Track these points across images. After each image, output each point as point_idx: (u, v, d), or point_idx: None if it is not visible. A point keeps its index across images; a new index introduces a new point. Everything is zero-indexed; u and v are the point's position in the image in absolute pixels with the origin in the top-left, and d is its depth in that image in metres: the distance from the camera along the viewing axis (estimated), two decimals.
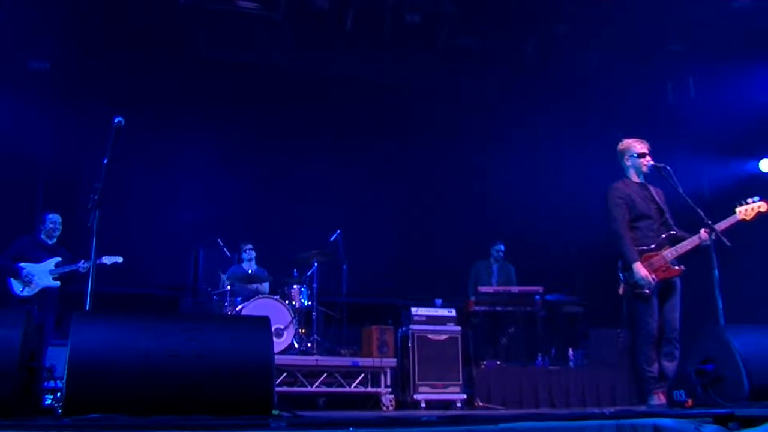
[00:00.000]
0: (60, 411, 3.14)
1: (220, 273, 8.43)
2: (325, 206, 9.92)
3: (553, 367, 8.43)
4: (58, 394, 3.75)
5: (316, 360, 7.38)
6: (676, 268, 5.37)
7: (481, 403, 7.72)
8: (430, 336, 7.67)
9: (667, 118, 10.26)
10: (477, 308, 8.80)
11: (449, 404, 7.53)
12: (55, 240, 7.39)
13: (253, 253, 8.54)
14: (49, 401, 4.46)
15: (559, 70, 9.95)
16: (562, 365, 8.60)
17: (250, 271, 8.39)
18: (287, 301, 7.92)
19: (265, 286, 8.53)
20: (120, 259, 7.14)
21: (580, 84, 10.04)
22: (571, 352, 8.86)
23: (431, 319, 7.81)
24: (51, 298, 7.20)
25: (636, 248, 5.36)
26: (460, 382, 7.58)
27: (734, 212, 5.36)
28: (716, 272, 5.23)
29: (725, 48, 8.97)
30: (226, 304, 8.03)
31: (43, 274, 7.17)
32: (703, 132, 9.97)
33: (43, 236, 7.38)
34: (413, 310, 7.83)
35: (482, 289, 8.92)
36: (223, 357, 3.40)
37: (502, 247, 9.45)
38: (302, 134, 10.22)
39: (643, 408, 5.38)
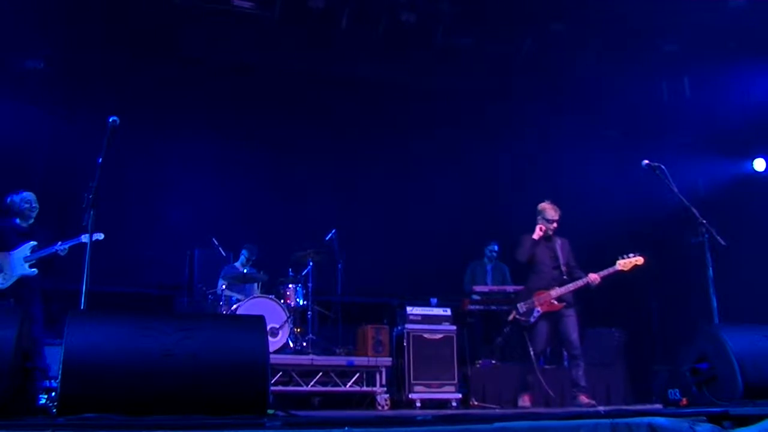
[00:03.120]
0: (54, 410, 3.13)
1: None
2: (320, 205, 9.93)
3: (548, 366, 8.44)
4: (53, 394, 3.74)
5: (312, 359, 7.38)
6: (556, 303, 6.64)
7: (476, 402, 7.73)
8: (425, 335, 7.68)
9: (662, 117, 10.28)
10: (472, 307, 8.80)
11: (444, 403, 7.54)
12: (32, 221, 6.63)
13: (254, 259, 8.52)
14: (43, 401, 4.46)
15: (554, 70, 9.95)
16: (557, 364, 8.61)
17: (245, 271, 8.39)
18: (282, 301, 7.92)
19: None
20: (101, 236, 6.14)
21: (576, 83, 10.05)
22: (566, 351, 8.86)
23: (426, 319, 7.82)
24: (30, 289, 6.45)
25: (533, 286, 6.84)
26: (456, 382, 7.58)
27: (615, 263, 6.53)
28: (711, 271, 5.27)
29: (720, 48, 8.99)
30: (221, 303, 8.02)
31: (17, 261, 6.39)
32: (698, 131, 10.00)
33: (17, 220, 6.60)
34: (408, 309, 7.84)
35: (477, 288, 8.93)
36: (218, 356, 3.39)
37: (496, 247, 9.47)
38: (298, 133, 10.21)
39: (636, 407, 5.41)
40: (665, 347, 10.21)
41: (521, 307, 6.81)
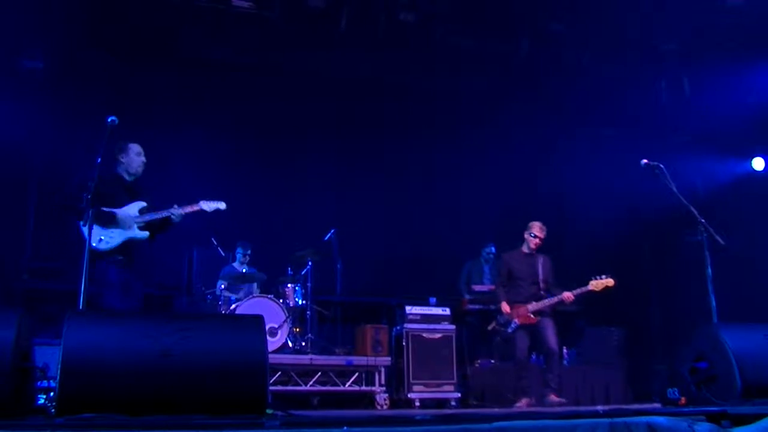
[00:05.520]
0: (53, 410, 3.13)
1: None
2: (319, 205, 9.92)
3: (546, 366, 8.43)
4: (51, 394, 3.74)
5: (311, 359, 7.38)
6: (532, 317, 7.07)
7: (475, 402, 7.73)
8: (424, 335, 7.68)
9: (661, 117, 10.28)
10: (471, 307, 8.81)
11: (443, 403, 7.54)
12: (139, 176, 5.79)
13: (249, 256, 8.53)
14: (42, 401, 4.45)
15: (553, 69, 9.95)
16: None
17: (244, 270, 8.39)
18: (281, 300, 7.92)
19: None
20: (223, 205, 5.83)
21: (575, 83, 10.05)
22: (565, 350, 8.87)
23: (425, 318, 7.82)
24: (139, 253, 5.63)
25: (511, 299, 7.21)
26: (455, 381, 7.59)
27: (587, 283, 6.99)
28: (709, 270, 5.27)
29: (719, 47, 8.99)
30: (220, 303, 8.02)
31: (125, 221, 5.51)
32: (697, 131, 10.01)
33: (123, 173, 5.73)
34: (407, 308, 7.84)
35: (476, 288, 8.94)
36: (217, 356, 3.40)
37: (493, 249, 9.45)
38: (297, 133, 10.20)
39: (635, 406, 5.42)
40: (664, 347, 10.21)
41: (500, 318, 7.26)
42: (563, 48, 9.61)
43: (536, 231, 7.31)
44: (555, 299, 7.04)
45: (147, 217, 5.57)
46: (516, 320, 7.10)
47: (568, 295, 6.99)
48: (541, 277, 7.22)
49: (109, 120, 4.71)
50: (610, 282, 6.96)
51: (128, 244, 5.49)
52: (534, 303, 7.10)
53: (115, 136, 4.71)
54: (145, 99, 9.06)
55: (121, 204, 5.55)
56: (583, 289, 7.00)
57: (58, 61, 8.91)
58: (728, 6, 8.42)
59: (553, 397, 6.95)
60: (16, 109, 8.38)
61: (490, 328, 7.46)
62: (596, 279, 6.98)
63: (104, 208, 5.39)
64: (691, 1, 8.38)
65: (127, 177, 5.72)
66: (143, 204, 5.63)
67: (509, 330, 7.16)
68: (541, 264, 7.29)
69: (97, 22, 8.53)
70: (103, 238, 5.38)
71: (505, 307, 7.19)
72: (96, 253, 5.29)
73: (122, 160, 5.69)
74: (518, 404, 7.03)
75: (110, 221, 5.43)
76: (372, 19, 8.99)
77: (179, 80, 9.44)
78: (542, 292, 7.15)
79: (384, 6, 8.85)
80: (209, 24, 8.99)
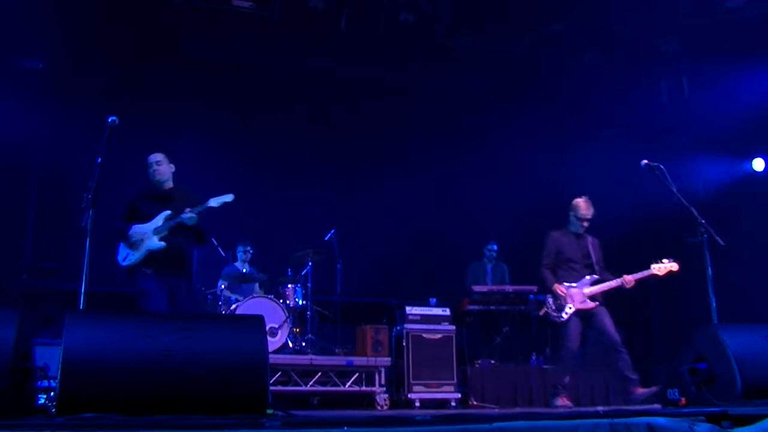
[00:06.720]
0: (53, 410, 3.13)
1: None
2: (319, 205, 9.92)
3: (547, 366, 8.44)
4: (52, 394, 3.74)
5: (311, 359, 7.38)
6: (590, 302, 6.52)
7: (475, 402, 7.73)
8: (424, 335, 7.68)
9: (660, 117, 10.28)
10: (471, 307, 8.80)
11: (443, 403, 7.54)
12: (168, 184, 5.90)
13: (250, 254, 8.55)
14: (42, 401, 4.45)
15: (553, 70, 9.95)
16: (556, 364, 8.60)
17: (244, 270, 8.39)
18: (281, 300, 7.92)
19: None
20: (230, 197, 5.72)
21: (575, 83, 10.05)
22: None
23: (426, 318, 7.82)
24: (178, 259, 5.73)
25: (561, 283, 6.59)
26: (455, 381, 7.59)
27: (649, 267, 6.49)
28: (710, 271, 5.28)
29: (718, 47, 9.00)
30: (220, 303, 8.02)
31: (148, 234, 5.63)
32: (697, 131, 10.00)
33: (151, 186, 5.91)
34: (408, 309, 7.84)
35: (476, 288, 8.93)
36: (217, 356, 3.39)
37: (495, 247, 9.48)
38: (297, 133, 10.21)
39: (635, 407, 5.42)
40: (664, 347, 10.21)
41: (551, 303, 6.62)
42: (563, 48, 9.61)
43: (582, 212, 6.73)
44: (614, 283, 6.48)
45: (167, 225, 5.63)
46: (571, 305, 6.49)
47: (629, 279, 6.42)
48: (594, 259, 6.65)
49: (109, 120, 4.71)
50: (675, 267, 6.46)
51: (152, 255, 5.61)
52: (589, 287, 6.55)
53: (116, 136, 4.70)
54: (145, 99, 9.07)
55: (150, 216, 5.68)
56: (645, 272, 6.46)
57: (58, 61, 8.91)
58: (728, 6, 8.42)
59: (640, 390, 6.22)
60: (16, 109, 8.38)
61: (541, 313, 6.89)
62: (659, 263, 6.48)
63: (132, 224, 5.70)
64: (691, 1, 8.38)
65: (156, 188, 5.87)
66: (168, 213, 5.68)
67: (563, 316, 6.51)
68: (591, 245, 6.75)
69: (97, 23, 8.53)
70: (128, 255, 5.68)
71: (560, 288, 6.53)
72: (127, 269, 5.70)
73: (150, 171, 5.86)
74: (559, 402, 6.59)
75: (125, 237, 5.69)
76: (372, 19, 8.99)
77: (179, 80, 9.44)
78: (596, 276, 6.57)
79: (384, 6, 8.85)
80: (209, 24, 8.99)
